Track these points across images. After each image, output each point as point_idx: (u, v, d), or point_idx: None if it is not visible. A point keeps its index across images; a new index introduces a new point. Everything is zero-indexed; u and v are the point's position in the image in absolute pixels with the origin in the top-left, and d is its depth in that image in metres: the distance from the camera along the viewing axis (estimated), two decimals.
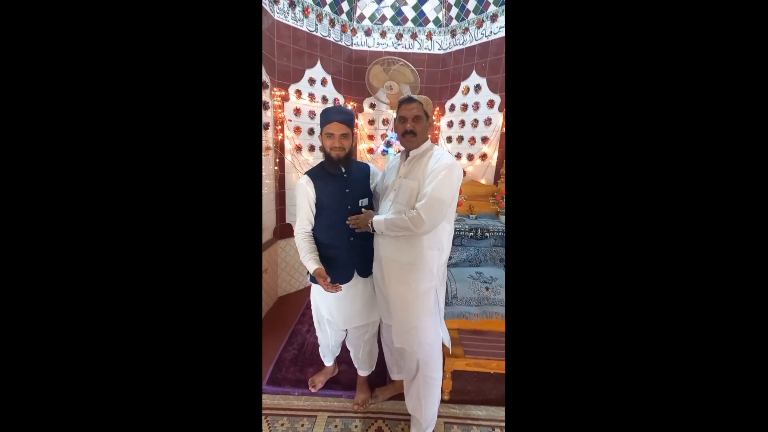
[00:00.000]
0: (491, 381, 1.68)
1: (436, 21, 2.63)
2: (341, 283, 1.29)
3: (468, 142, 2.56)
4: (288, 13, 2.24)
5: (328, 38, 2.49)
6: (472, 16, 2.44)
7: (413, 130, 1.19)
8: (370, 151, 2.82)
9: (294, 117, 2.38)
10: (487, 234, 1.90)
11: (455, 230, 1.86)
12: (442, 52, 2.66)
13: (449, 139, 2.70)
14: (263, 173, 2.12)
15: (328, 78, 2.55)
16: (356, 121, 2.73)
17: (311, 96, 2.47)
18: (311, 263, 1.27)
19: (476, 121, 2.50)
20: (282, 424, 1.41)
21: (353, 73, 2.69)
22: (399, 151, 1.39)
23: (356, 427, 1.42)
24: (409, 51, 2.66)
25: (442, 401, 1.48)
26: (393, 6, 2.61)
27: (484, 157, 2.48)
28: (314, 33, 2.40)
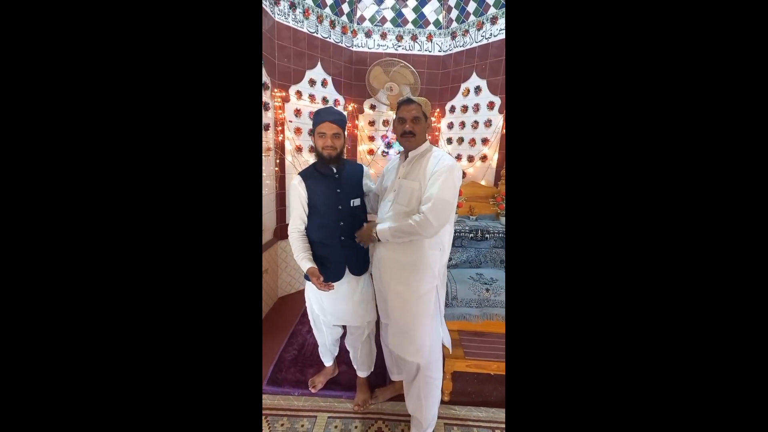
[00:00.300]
0: (492, 383, 1.68)
1: (437, 23, 2.64)
2: (333, 281, 1.31)
3: (468, 144, 2.57)
4: (289, 15, 2.25)
5: (328, 40, 2.50)
6: (472, 18, 2.45)
7: (412, 131, 1.20)
8: (371, 152, 2.83)
9: (294, 118, 2.39)
10: (487, 235, 1.91)
11: (455, 231, 1.86)
12: (442, 53, 2.67)
13: (449, 141, 2.70)
14: (264, 174, 2.13)
15: (329, 79, 2.56)
16: (357, 123, 2.74)
17: (312, 97, 2.47)
18: (305, 262, 1.29)
19: (476, 122, 2.51)
20: (282, 425, 1.41)
21: (353, 75, 2.69)
22: (398, 153, 1.39)
23: (356, 427, 1.42)
24: (410, 52, 2.66)
25: (443, 402, 1.48)
26: (393, 8, 2.62)
27: (484, 158, 2.49)
28: (315, 34, 2.41)
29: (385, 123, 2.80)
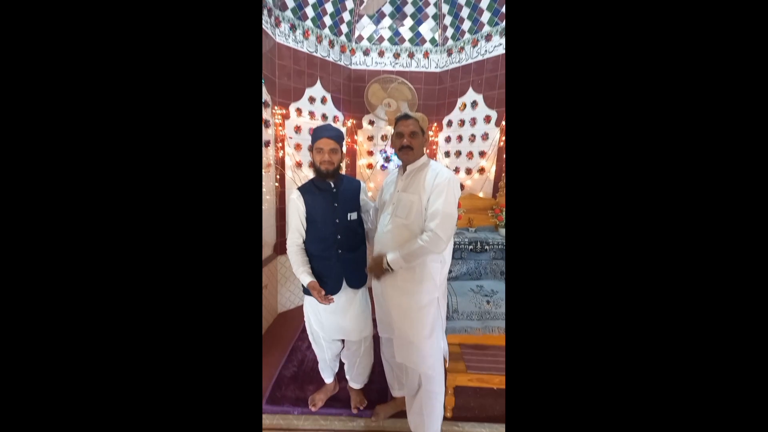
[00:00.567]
0: (494, 397, 1.65)
1: (433, 41, 2.71)
2: (330, 294, 1.33)
3: (466, 157, 2.60)
4: (289, 36, 2.32)
5: (327, 58, 2.57)
6: (467, 36, 2.52)
7: (410, 145, 1.23)
8: (370, 166, 2.86)
9: (294, 134, 2.43)
10: (486, 247, 1.91)
11: (455, 243, 1.86)
12: (438, 70, 2.73)
13: (447, 154, 2.74)
14: (264, 189, 2.15)
15: (328, 96, 2.62)
16: (356, 138, 2.78)
17: (311, 114, 2.53)
18: (304, 276, 1.31)
19: (473, 135, 2.54)
20: None
21: (352, 91, 2.75)
22: (397, 166, 1.42)
23: None
24: (407, 69, 2.73)
25: (445, 419, 1.44)
26: (390, 27, 2.70)
27: (482, 170, 2.51)
28: (314, 54, 2.48)
29: (384, 138, 2.84)
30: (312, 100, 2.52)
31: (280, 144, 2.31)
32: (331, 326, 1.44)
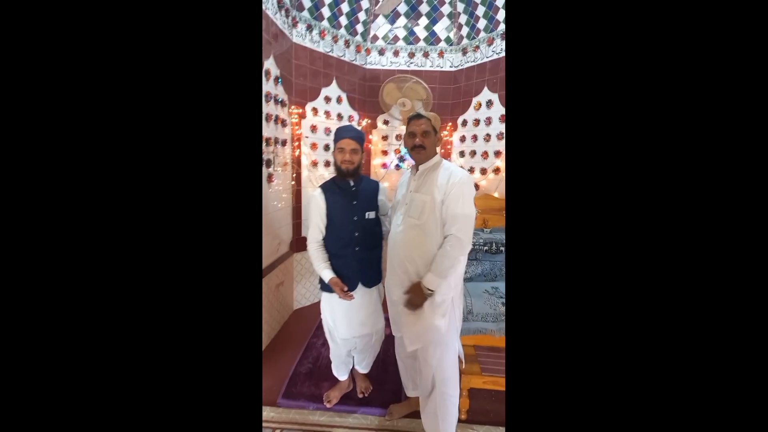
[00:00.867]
0: None
1: (447, 40, 2.70)
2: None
3: (481, 157, 2.58)
4: (305, 36, 2.34)
5: (343, 58, 2.58)
6: (482, 34, 2.50)
7: (422, 145, 1.23)
8: (384, 165, 2.87)
9: (310, 133, 2.46)
10: (502, 248, 1.89)
11: None
12: (453, 69, 2.72)
13: (462, 154, 2.72)
14: (280, 188, 2.18)
15: (343, 96, 2.63)
16: (370, 137, 2.79)
17: (327, 113, 2.55)
18: (326, 272, 1.37)
19: (488, 135, 2.52)
20: None
21: (367, 91, 2.76)
22: (410, 166, 1.43)
23: None
24: (422, 69, 2.72)
25: (460, 421, 1.44)
26: (405, 27, 2.70)
27: (497, 170, 2.49)
28: (330, 54, 2.50)
29: (398, 137, 2.84)
30: (328, 99, 2.54)
31: (297, 143, 2.34)
32: (345, 323, 1.48)
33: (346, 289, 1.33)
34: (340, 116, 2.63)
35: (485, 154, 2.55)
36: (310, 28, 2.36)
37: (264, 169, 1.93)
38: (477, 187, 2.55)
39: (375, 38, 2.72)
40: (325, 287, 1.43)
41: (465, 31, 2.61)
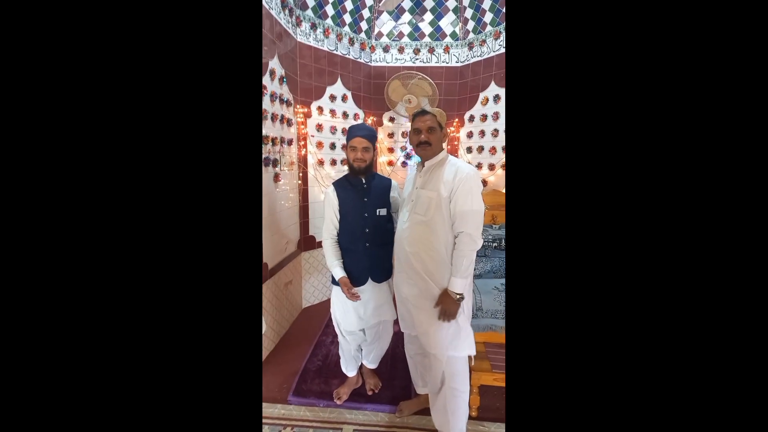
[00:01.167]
0: None
1: (453, 35, 2.67)
2: (355, 286, 1.43)
3: (489, 152, 2.55)
4: (310, 35, 2.35)
5: (347, 56, 2.58)
6: (489, 28, 2.47)
7: (428, 141, 1.22)
8: (390, 163, 2.86)
9: (316, 132, 2.46)
10: None
11: None
12: (459, 64, 2.69)
13: (469, 150, 2.69)
14: (287, 187, 2.20)
15: (349, 94, 2.63)
16: (378, 137, 2.79)
17: (332, 112, 2.55)
18: (337, 270, 1.43)
19: (496, 130, 2.49)
20: None
21: (372, 89, 2.76)
22: (417, 163, 1.42)
23: None
24: (427, 65, 2.70)
25: (470, 418, 1.43)
26: (410, 23, 2.68)
27: (505, 166, 2.46)
28: (334, 52, 2.50)
29: (404, 135, 2.83)
30: (333, 98, 2.54)
31: (303, 142, 2.35)
32: (354, 316, 1.51)
33: (353, 289, 1.39)
34: (345, 115, 2.63)
35: (493, 150, 2.52)
36: (314, 26, 2.36)
37: (270, 168, 1.94)
38: (485, 183, 2.53)
39: (380, 35, 2.71)
40: (336, 282, 1.47)
41: (471, 25, 2.58)
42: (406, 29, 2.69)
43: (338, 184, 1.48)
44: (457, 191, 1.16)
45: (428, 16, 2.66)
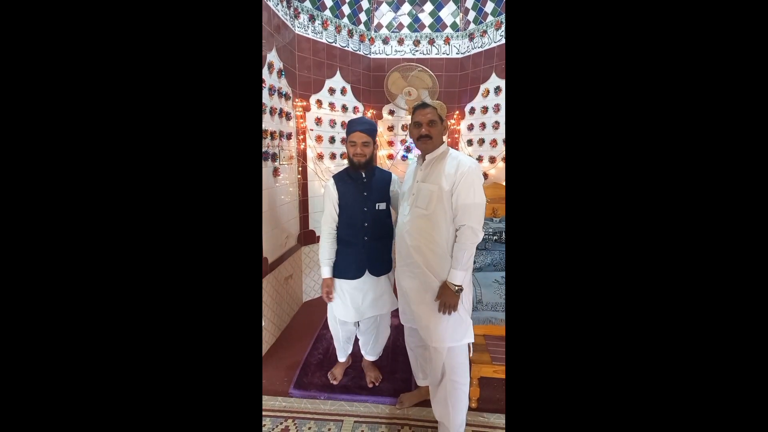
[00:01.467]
0: None
1: (453, 26, 2.63)
2: (353, 278, 1.48)
3: (489, 145, 2.53)
4: (308, 27, 2.32)
5: (346, 48, 2.55)
6: (490, 18, 2.43)
7: (429, 134, 1.22)
8: (390, 156, 2.84)
9: (315, 126, 2.45)
10: None
11: None
12: (460, 56, 2.66)
13: (470, 142, 2.67)
14: (287, 182, 2.19)
15: (348, 87, 2.61)
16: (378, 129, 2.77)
17: (332, 105, 2.53)
18: (325, 269, 1.49)
19: (497, 123, 2.47)
20: (309, 428, 1.43)
21: (372, 81, 2.73)
22: (417, 156, 1.42)
23: None
24: (427, 57, 2.67)
25: (470, 409, 1.44)
26: (410, 14, 2.64)
27: (505, 159, 2.44)
28: (333, 44, 2.47)
29: (404, 128, 2.81)
30: (332, 91, 2.52)
31: (302, 136, 2.34)
32: (350, 308, 1.53)
33: (331, 294, 1.49)
34: (345, 108, 2.60)
35: (494, 142, 2.50)
36: (312, 18, 2.33)
37: (270, 163, 1.93)
38: (486, 176, 2.51)
39: (379, 26, 2.68)
40: (335, 273, 1.49)
41: (472, 15, 2.54)
42: (406, 20, 2.65)
43: (338, 178, 1.48)
44: (459, 184, 1.15)
45: (428, 7, 2.62)
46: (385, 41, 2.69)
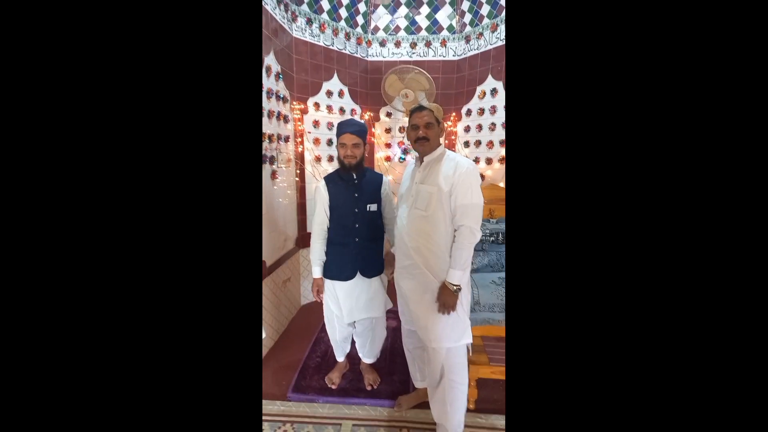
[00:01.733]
0: None
1: (450, 28, 2.65)
2: (344, 279, 1.48)
3: (486, 146, 2.54)
4: (305, 30, 2.32)
5: (344, 51, 2.56)
6: (486, 20, 2.44)
7: (426, 136, 1.23)
8: (388, 159, 2.85)
9: (313, 129, 2.45)
10: None
11: None
12: (456, 58, 2.67)
13: (467, 144, 2.68)
14: (285, 184, 2.19)
15: (345, 89, 2.61)
16: (373, 130, 2.77)
17: (329, 108, 2.53)
18: (316, 269, 1.51)
19: (493, 124, 2.48)
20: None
21: (369, 84, 2.74)
22: (414, 158, 1.42)
23: None
24: (424, 59, 2.68)
25: (468, 410, 1.44)
26: (406, 16, 2.65)
27: (503, 160, 2.45)
28: (331, 47, 2.48)
29: (401, 130, 2.82)
30: (329, 93, 2.52)
31: (300, 139, 2.34)
32: (346, 309, 1.53)
33: (321, 293, 1.52)
34: (342, 110, 2.61)
35: (490, 144, 2.51)
36: (309, 21, 2.34)
37: (268, 166, 1.93)
38: (483, 177, 2.52)
39: (376, 29, 2.69)
40: (327, 274, 1.50)
41: (468, 18, 2.55)
42: (403, 23, 2.67)
43: (329, 179, 1.49)
44: (458, 185, 1.17)
45: (425, 9, 2.63)
46: (382, 44, 2.71)
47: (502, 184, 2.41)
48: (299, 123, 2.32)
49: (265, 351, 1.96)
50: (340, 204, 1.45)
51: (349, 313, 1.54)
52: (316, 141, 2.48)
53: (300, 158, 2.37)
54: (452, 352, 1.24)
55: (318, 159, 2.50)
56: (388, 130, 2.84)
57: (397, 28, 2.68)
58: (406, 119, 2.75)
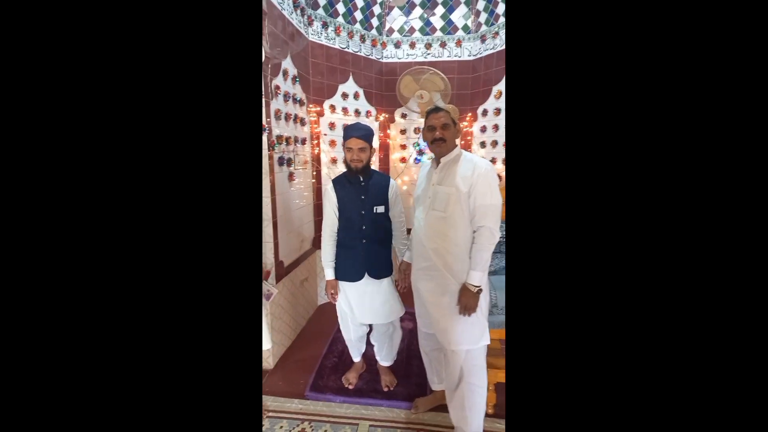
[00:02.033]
0: None
1: (465, 28, 2.63)
2: (352, 281, 1.50)
3: (503, 147, 2.50)
4: (321, 34, 2.35)
5: (359, 53, 2.58)
6: (501, 20, 2.41)
7: (443, 137, 1.23)
8: (403, 160, 2.85)
9: (329, 131, 2.48)
10: None
11: None
12: (472, 58, 2.65)
13: (483, 145, 2.65)
14: (302, 186, 2.22)
15: (360, 92, 2.63)
16: (388, 131, 2.78)
17: (345, 110, 2.56)
18: (328, 270, 1.53)
19: None
20: (325, 431, 1.44)
21: (384, 85, 2.75)
22: (430, 159, 1.42)
23: None
24: (439, 59, 2.67)
25: (486, 415, 1.42)
26: (421, 17, 2.65)
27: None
28: (346, 50, 2.50)
29: (417, 131, 2.81)
30: (345, 96, 2.55)
31: (316, 141, 2.37)
32: (360, 311, 1.55)
33: (335, 294, 1.53)
34: (357, 112, 2.63)
35: None
36: (325, 25, 2.37)
37: (285, 168, 1.97)
38: (500, 177, 2.49)
39: (391, 31, 2.70)
40: (337, 275, 1.53)
41: (483, 17, 2.53)
42: (418, 24, 2.66)
43: (337, 182, 1.52)
44: (477, 186, 1.16)
45: (439, 10, 2.62)
46: (397, 45, 2.71)
47: None
48: (315, 125, 2.35)
49: (282, 350, 1.99)
50: (348, 206, 1.49)
51: (361, 314, 1.56)
52: (332, 143, 2.50)
53: (316, 160, 2.40)
54: (471, 354, 1.23)
55: (334, 161, 2.53)
56: (403, 131, 2.84)
57: (412, 30, 2.68)
58: (422, 120, 2.75)
